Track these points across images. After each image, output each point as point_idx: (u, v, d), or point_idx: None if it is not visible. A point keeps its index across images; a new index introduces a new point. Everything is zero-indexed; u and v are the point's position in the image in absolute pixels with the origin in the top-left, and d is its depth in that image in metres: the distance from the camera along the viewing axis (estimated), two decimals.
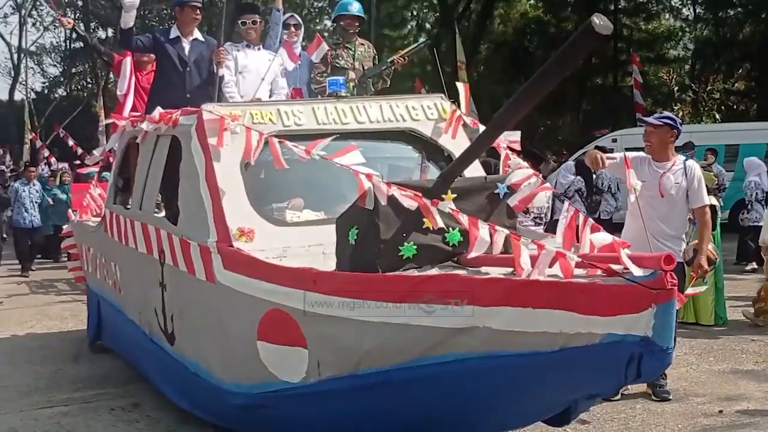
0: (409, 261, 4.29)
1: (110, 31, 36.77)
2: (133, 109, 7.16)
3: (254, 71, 6.72)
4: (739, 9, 27.08)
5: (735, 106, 28.09)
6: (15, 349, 8.37)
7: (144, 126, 6.17)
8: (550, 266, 3.57)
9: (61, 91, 40.84)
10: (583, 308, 3.35)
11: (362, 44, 7.35)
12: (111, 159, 17.66)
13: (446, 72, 12.73)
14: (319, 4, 33.54)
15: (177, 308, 5.51)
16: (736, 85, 29.37)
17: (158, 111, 6.05)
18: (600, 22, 3.13)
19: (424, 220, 4.22)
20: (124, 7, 6.35)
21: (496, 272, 4.01)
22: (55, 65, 41.93)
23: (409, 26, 35.21)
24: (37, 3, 38.99)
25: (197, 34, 6.72)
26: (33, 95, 38.88)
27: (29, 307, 10.92)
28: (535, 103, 3.93)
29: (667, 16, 31.69)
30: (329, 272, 4.25)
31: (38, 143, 24.00)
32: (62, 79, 40.82)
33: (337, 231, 4.50)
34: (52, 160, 22.01)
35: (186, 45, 6.63)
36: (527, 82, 3.74)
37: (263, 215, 5.04)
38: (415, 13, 35.41)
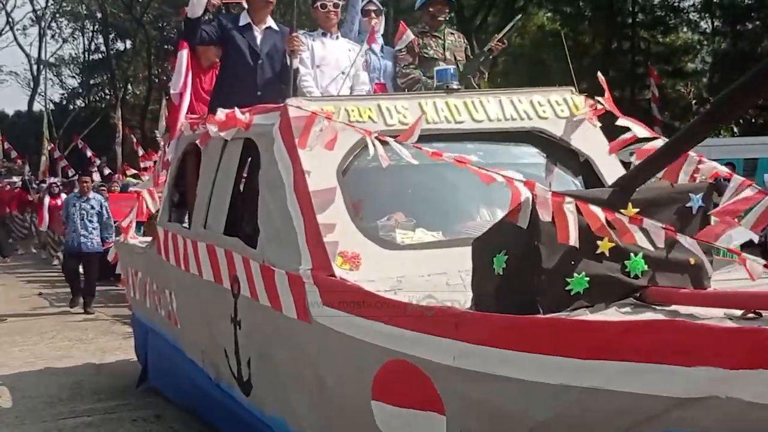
0: (579, 297, 3.23)
1: (128, 43, 36.54)
2: (191, 112, 6.14)
3: (333, 63, 5.70)
4: (758, 22, 26.32)
5: (753, 120, 27.12)
6: (37, 360, 8.45)
7: (207, 129, 5.15)
8: None
9: (79, 102, 41.18)
10: None
11: (452, 33, 6.31)
12: (143, 168, 17.58)
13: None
14: None
15: (255, 351, 4.46)
16: None
17: (222, 111, 5.05)
18: None
19: (599, 242, 3.17)
20: None
21: (709, 313, 2.93)
22: (73, 76, 42.35)
23: None
24: (57, 15, 39.00)
25: (270, 21, 5.71)
26: (51, 106, 39.37)
27: (49, 317, 11.05)
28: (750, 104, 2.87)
29: (684, 29, 31.15)
30: (479, 314, 3.18)
31: (56, 154, 24.02)
32: (81, 91, 41.11)
33: (475, 257, 3.45)
34: (70, 171, 21.83)
35: (258, 34, 5.61)
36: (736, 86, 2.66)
37: (369, 236, 3.98)
38: None
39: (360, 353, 3.52)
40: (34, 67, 40.55)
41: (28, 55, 40.65)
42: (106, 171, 21.32)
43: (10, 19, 39.74)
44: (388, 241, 4.01)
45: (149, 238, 6.89)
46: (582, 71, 4.70)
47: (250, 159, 4.94)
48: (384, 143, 3.88)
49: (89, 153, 21.39)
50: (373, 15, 6.22)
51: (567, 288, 3.19)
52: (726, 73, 27.78)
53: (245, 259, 4.46)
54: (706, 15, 29.15)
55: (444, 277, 3.84)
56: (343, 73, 5.66)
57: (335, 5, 5.73)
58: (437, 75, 4.70)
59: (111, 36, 37.32)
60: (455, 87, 4.66)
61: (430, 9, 6.13)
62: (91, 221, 11.64)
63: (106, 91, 39.60)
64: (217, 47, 6.50)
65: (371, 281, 3.74)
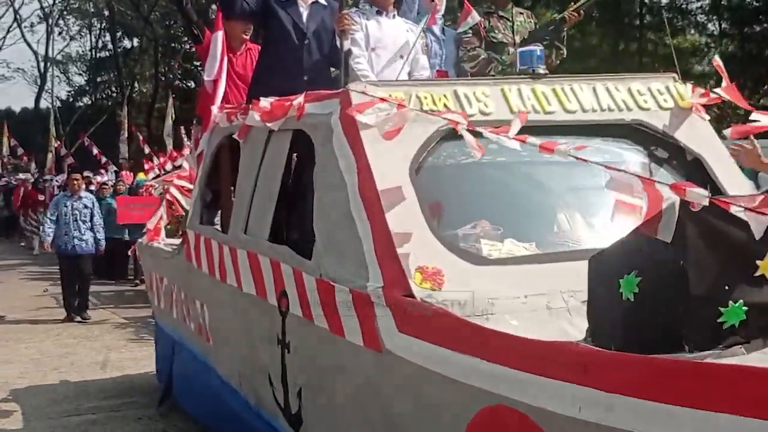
0: (734, 332, 2.56)
1: (135, 41, 36.39)
2: (225, 100, 5.48)
3: (390, 46, 5.01)
4: (765, 24, 25.58)
5: None
6: (43, 357, 8.49)
7: (248, 120, 4.49)
8: None
9: (86, 100, 41.37)
10: None
11: (521, 13, 5.60)
12: (160, 163, 17.00)
13: None
14: None
15: (308, 381, 3.79)
16: (762, 101, 27.64)
17: (266, 100, 4.40)
18: None
19: (758, 262, 2.51)
20: None
21: None
22: (80, 74, 42.67)
23: None
24: (64, 13, 38.98)
25: None
26: (58, 104, 39.87)
27: (55, 316, 10.96)
28: None
29: (692, 31, 30.50)
30: (618, 354, 2.49)
31: (63, 151, 23.79)
32: (87, 88, 41.25)
33: (594, 278, 2.78)
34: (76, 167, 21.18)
35: (303, 9, 4.93)
36: None
37: (452, 247, 3.30)
38: None
39: (449, 394, 2.84)
40: (41, 65, 40.68)
41: (35, 53, 40.72)
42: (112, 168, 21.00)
43: (17, 17, 39.80)
44: (473, 254, 3.32)
45: (176, 240, 6.23)
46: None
47: (300, 154, 4.27)
48: (476, 135, 3.19)
49: (95, 150, 21.28)
50: None
51: (720, 320, 2.52)
52: (733, 76, 27.14)
53: (297, 272, 3.78)
54: (714, 17, 28.64)
55: (543, 299, 3.17)
56: (401, 56, 4.98)
57: None
58: (521, 57, 4.01)
59: (118, 34, 37.29)
60: (542, 72, 3.97)
61: None
62: (84, 221, 11.03)
63: (113, 89, 39.69)
64: (247, 23, 5.84)
65: (458, 303, 3.07)
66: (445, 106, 3.70)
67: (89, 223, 11.07)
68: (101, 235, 11.23)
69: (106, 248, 13.21)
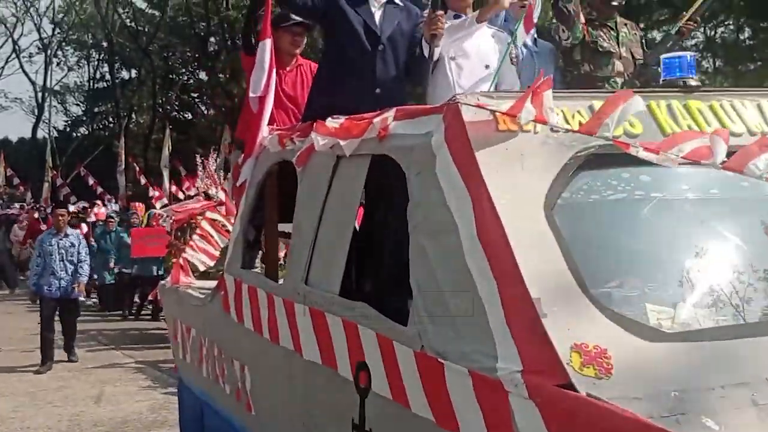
0: None
1: (133, 72, 36.33)
2: (272, 123, 4.64)
3: (473, 55, 4.16)
4: (759, 63, 24.65)
5: None
6: (37, 390, 8.54)
7: (310, 142, 3.63)
8: None
9: (83, 130, 41.66)
10: None
11: (624, 24, 4.74)
12: (150, 198, 16.29)
13: None
14: None
15: None
16: None
17: (333, 119, 3.56)
18: None
19: None
20: None
21: None
22: (78, 104, 42.84)
23: None
24: (63, 44, 38.94)
25: None
26: (55, 134, 40.41)
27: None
28: None
29: None
30: None
31: (59, 181, 23.75)
32: (85, 119, 41.54)
33: None
34: (72, 198, 21.59)
35: (376, 10, 4.07)
36: None
37: (613, 316, 2.40)
38: None
39: None
40: (39, 95, 40.73)
41: (33, 83, 40.74)
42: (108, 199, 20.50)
43: (16, 47, 39.83)
44: (643, 325, 2.42)
45: (210, 283, 5.36)
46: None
47: (382, 185, 3.39)
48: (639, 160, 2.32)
49: (91, 181, 21.23)
50: None
51: None
52: None
53: (384, 340, 2.89)
54: (708, 54, 27.88)
55: (746, 392, 2.27)
56: (486, 67, 4.13)
57: None
58: (665, 67, 3.14)
59: (116, 65, 37.18)
60: (694, 83, 3.11)
61: None
62: (71, 261, 10.12)
63: (110, 120, 39.82)
64: (301, 33, 5.03)
65: (636, 399, 2.17)
66: (580, 124, 2.82)
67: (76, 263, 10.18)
68: (84, 271, 10.32)
69: (121, 280, 12.48)
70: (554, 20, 4.48)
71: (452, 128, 2.78)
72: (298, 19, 5.13)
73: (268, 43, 4.58)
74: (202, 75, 33.45)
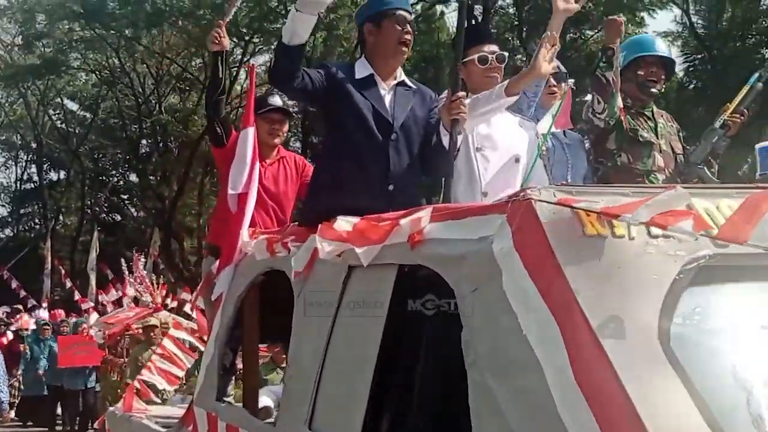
0: None
1: (62, 173, 35.85)
2: (254, 225, 3.96)
3: (502, 147, 3.57)
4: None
5: None
6: None
7: (311, 249, 2.96)
8: None
9: (8, 232, 40.11)
10: None
11: (661, 114, 4.20)
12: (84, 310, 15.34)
13: None
14: None
15: None
16: None
17: (343, 220, 2.91)
18: None
19: None
20: (303, 5, 3.18)
21: None
22: (3, 205, 41.53)
23: None
24: None
25: (402, 74, 3.55)
26: None
27: None
28: None
29: None
30: None
31: None
32: (10, 220, 40.11)
33: None
34: None
35: (386, 93, 3.44)
36: None
37: None
38: None
39: None
40: None
41: None
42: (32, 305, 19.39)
43: None
44: None
45: (171, 411, 4.55)
46: None
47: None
48: None
49: (14, 284, 20.03)
50: (553, 82, 4.04)
51: None
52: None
53: None
54: None
55: None
56: (516, 160, 3.53)
57: (500, 58, 3.62)
58: (764, 158, 2.55)
59: (45, 166, 36.60)
60: None
61: (639, 72, 4.04)
62: None
63: (36, 221, 38.74)
64: (280, 121, 4.42)
65: None
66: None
67: None
68: (4, 396, 9.13)
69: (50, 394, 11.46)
70: (588, 94, 3.89)
71: (524, 231, 2.13)
72: (277, 104, 4.52)
73: (250, 132, 3.94)
74: (133, 177, 32.87)
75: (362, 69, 3.43)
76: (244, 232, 3.80)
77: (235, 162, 3.92)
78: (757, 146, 2.70)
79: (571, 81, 3.71)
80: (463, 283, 2.27)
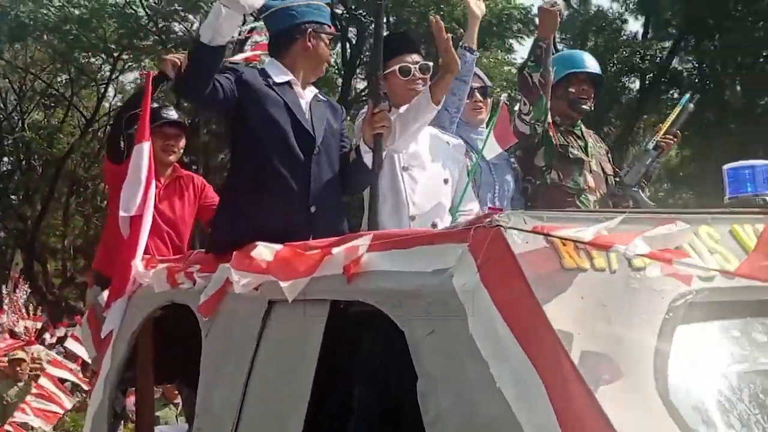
0: None
1: None
2: (147, 253, 3.52)
3: (431, 167, 3.27)
4: None
5: None
6: None
7: (222, 281, 2.58)
8: None
9: None
10: None
11: (589, 134, 3.99)
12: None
13: None
14: None
15: None
16: None
17: (263, 246, 2.55)
18: None
19: None
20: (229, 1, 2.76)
21: None
22: None
23: None
24: None
25: (314, 90, 3.20)
26: None
27: None
28: None
29: None
30: None
31: None
32: None
33: None
34: None
35: (305, 103, 3.07)
36: None
37: None
38: None
39: None
40: None
41: None
42: None
43: None
44: None
45: None
46: None
47: (347, 345, 2.34)
48: None
49: None
50: (477, 95, 3.76)
51: None
52: None
53: None
54: None
55: None
56: (445, 181, 3.24)
57: (424, 68, 3.31)
58: (732, 180, 2.34)
59: None
60: None
61: (570, 90, 3.81)
62: None
63: None
64: (176, 136, 4.03)
65: None
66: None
67: None
68: None
69: None
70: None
71: (494, 264, 1.81)
72: (173, 117, 4.10)
73: (146, 147, 3.50)
74: None
75: (278, 72, 3.05)
76: (138, 260, 3.36)
77: (128, 181, 3.47)
78: (725, 167, 2.48)
79: (503, 96, 3.42)
80: (416, 324, 1.94)
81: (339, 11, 16.92)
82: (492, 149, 3.48)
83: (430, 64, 3.31)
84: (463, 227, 1.96)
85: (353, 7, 17.09)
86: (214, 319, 2.66)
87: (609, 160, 3.96)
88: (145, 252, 3.50)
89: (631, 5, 20.21)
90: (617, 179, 3.85)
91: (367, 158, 2.95)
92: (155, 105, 3.86)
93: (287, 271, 2.36)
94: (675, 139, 3.86)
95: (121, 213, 3.42)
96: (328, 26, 3.13)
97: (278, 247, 2.48)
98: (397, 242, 2.12)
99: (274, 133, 2.91)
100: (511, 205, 3.63)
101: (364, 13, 17.07)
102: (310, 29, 3.05)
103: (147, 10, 18.49)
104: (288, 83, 3.03)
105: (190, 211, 4.02)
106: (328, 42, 3.10)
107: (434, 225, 3.18)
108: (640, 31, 20.43)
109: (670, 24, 19.60)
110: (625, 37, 19.99)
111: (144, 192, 3.45)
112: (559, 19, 3.57)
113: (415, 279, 1.98)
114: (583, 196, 3.65)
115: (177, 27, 19.28)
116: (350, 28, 17.82)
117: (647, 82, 19.78)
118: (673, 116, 3.84)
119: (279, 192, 2.88)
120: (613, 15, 20.36)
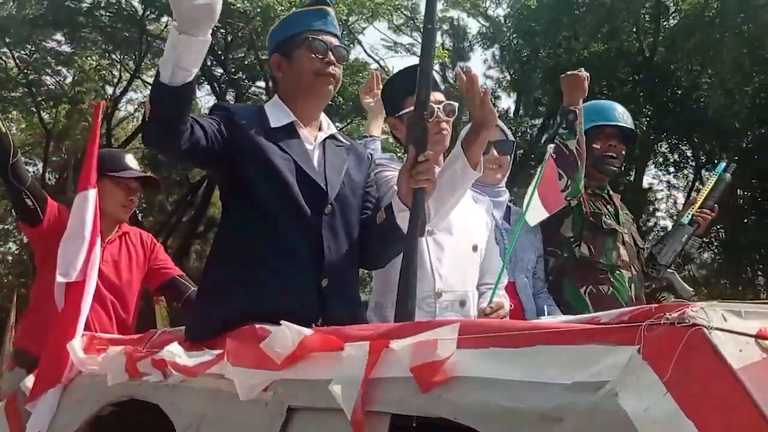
0: None
1: None
2: (88, 328, 2.78)
3: (459, 232, 2.64)
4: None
5: None
6: None
7: (217, 371, 1.91)
8: None
9: None
10: None
11: (616, 197, 3.45)
12: None
13: None
14: None
15: None
16: None
17: (260, 328, 1.88)
18: None
19: None
20: (182, 21, 1.99)
21: None
22: None
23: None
24: None
25: (329, 125, 2.52)
26: None
27: None
28: None
29: None
30: None
31: None
32: None
33: None
34: None
35: (314, 149, 2.39)
36: None
37: None
38: None
39: None
40: None
41: None
42: None
43: None
44: None
45: None
46: None
47: None
48: None
49: None
50: (495, 154, 3.07)
51: None
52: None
53: None
54: None
55: None
56: (474, 248, 2.63)
57: (449, 110, 2.70)
58: None
59: None
60: None
61: (595, 146, 3.25)
62: None
63: None
64: (135, 190, 3.35)
65: None
66: None
67: None
68: None
69: None
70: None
71: (699, 381, 1.20)
72: (139, 170, 3.39)
73: (91, 195, 2.80)
74: None
75: (278, 114, 2.37)
76: (77, 339, 2.62)
77: (68, 237, 2.74)
78: None
79: (551, 147, 2.86)
80: None
81: (217, 74, 16.52)
82: (537, 213, 2.87)
83: (456, 105, 2.72)
84: (623, 318, 1.35)
85: (233, 69, 16.60)
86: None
87: (638, 230, 3.43)
88: (85, 328, 2.77)
89: (504, 83, 20.68)
90: (648, 254, 3.34)
91: (402, 219, 2.26)
92: (116, 147, 3.13)
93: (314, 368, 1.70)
94: (712, 213, 3.38)
95: (58, 278, 2.68)
96: (308, 34, 2.39)
97: (306, 331, 1.80)
98: (502, 338, 1.49)
99: (272, 187, 2.22)
100: (532, 282, 3.05)
101: (244, 77, 16.72)
102: (288, 47, 2.42)
103: (17, 60, 17.55)
104: (291, 125, 2.37)
105: (137, 275, 3.28)
106: (312, 54, 2.37)
107: (462, 303, 2.56)
108: (512, 108, 20.75)
109: (540, 102, 19.84)
110: (497, 113, 20.36)
111: (87, 252, 2.73)
112: (586, 84, 3.06)
113: (544, 395, 1.35)
114: (617, 272, 3.10)
115: (49, 80, 18.33)
116: (229, 90, 17.24)
117: (517, 158, 20.00)
118: (708, 187, 3.37)
119: (282, 261, 2.19)
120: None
